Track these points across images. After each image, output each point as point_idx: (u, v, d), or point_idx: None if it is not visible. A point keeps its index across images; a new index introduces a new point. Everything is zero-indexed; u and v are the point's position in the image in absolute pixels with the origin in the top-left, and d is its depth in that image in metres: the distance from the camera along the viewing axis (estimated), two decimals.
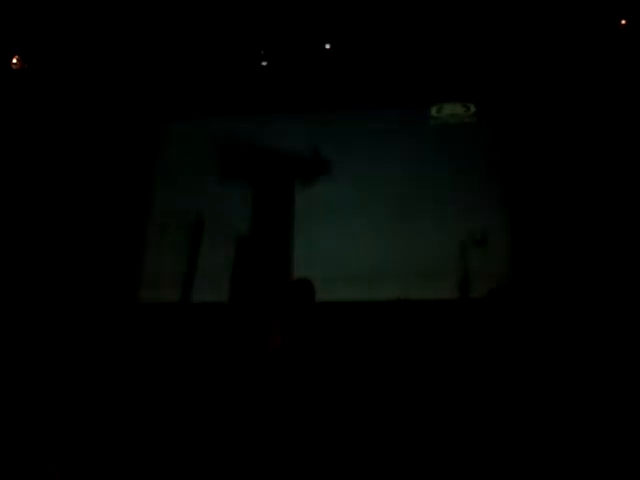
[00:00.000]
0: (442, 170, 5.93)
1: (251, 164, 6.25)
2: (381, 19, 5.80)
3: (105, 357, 5.39)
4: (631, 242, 5.41)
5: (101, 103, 6.31)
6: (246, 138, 6.26)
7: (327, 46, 6.03)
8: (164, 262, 6.01)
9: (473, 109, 6.10)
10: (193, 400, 4.96)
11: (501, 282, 5.62)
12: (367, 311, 5.43)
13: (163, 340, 5.46)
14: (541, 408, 4.69)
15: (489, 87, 6.04)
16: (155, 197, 6.31)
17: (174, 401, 4.96)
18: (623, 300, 5.22)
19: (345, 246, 5.87)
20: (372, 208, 5.92)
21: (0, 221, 5.84)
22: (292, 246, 5.96)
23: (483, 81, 6.03)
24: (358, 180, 6.01)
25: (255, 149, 6.22)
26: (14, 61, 6.07)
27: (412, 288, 5.45)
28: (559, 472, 4.15)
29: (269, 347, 4.27)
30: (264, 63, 6.17)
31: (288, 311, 4.34)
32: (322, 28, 5.97)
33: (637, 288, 5.25)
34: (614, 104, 5.64)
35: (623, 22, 5.61)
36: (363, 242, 5.86)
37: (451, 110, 6.13)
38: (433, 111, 6.13)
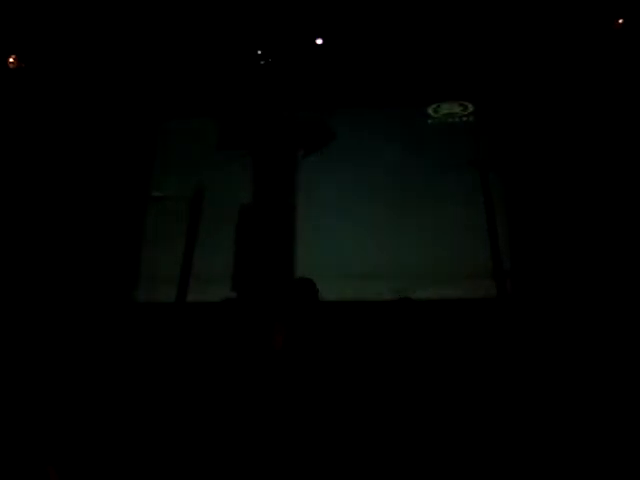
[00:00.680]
0: (441, 168, 5.94)
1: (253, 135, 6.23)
2: (380, 18, 5.80)
3: (103, 356, 5.38)
4: (631, 241, 5.43)
5: (97, 100, 6.29)
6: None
7: (319, 41, 6.00)
8: (162, 259, 5.99)
9: (471, 108, 6.11)
10: (193, 400, 4.95)
11: (500, 280, 5.67)
12: (367, 310, 5.45)
13: (161, 340, 5.46)
14: (541, 407, 4.70)
15: (487, 86, 6.04)
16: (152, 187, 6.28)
17: (174, 401, 4.95)
18: (623, 299, 5.24)
19: (344, 244, 5.88)
20: (371, 207, 5.93)
21: None
22: (295, 242, 5.97)
23: (480, 80, 6.04)
24: (357, 179, 6.03)
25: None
26: (11, 60, 6.05)
27: (411, 287, 5.46)
28: (560, 471, 4.16)
29: (271, 347, 4.27)
30: (262, 62, 6.16)
31: (290, 310, 4.33)
32: (321, 27, 5.98)
33: (637, 287, 5.28)
34: (612, 103, 5.65)
35: (620, 21, 5.61)
36: (362, 241, 5.87)
37: (448, 109, 6.14)
38: (431, 110, 6.14)
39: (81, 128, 6.23)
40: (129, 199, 6.20)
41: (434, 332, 5.27)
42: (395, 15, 5.77)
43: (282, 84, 6.25)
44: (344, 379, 4.54)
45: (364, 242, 5.88)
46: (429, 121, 6.16)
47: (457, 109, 6.13)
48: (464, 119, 6.12)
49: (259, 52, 6.10)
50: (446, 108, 6.14)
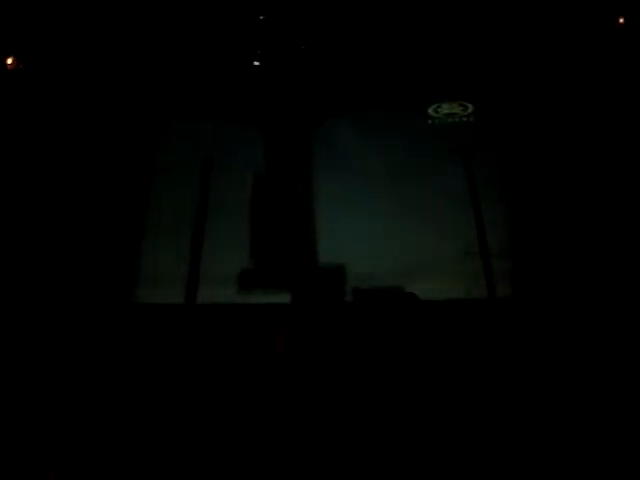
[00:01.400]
0: (441, 168, 5.93)
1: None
2: (380, 17, 5.80)
3: (103, 356, 5.35)
4: (630, 241, 5.42)
5: (96, 100, 6.27)
6: None
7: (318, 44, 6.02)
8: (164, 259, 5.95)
9: (471, 108, 6.10)
10: (194, 401, 4.93)
11: (500, 280, 5.66)
12: (368, 310, 5.43)
13: (163, 342, 5.43)
14: (541, 406, 4.68)
15: (487, 86, 6.03)
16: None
17: (174, 402, 4.93)
18: (622, 297, 5.24)
19: (344, 244, 5.85)
20: (371, 206, 5.92)
21: None
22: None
23: (481, 80, 6.03)
24: (357, 178, 6.01)
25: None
26: (9, 61, 6.03)
27: (411, 287, 5.45)
28: (561, 471, 4.14)
29: (272, 348, 4.26)
30: (260, 62, 6.15)
31: (298, 308, 4.32)
32: (320, 28, 5.98)
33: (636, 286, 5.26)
34: (613, 102, 5.65)
35: (621, 20, 5.61)
36: (363, 240, 5.83)
37: (449, 109, 6.13)
38: (431, 110, 6.13)
39: (79, 124, 6.20)
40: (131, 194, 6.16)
41: (436, 332, 5.26)
42: (396, 15, 5.78)
43: (280, 85, 6.24)
44: (345, 379, 4.53)
45: (363, 241, 5.85)
46: (429, 121, 6.15)
47: (457, 109, 6.12)
48: (464, 119, 6.11)
49: (259, 52, 6.09)
50: (446, 108, 6.13)
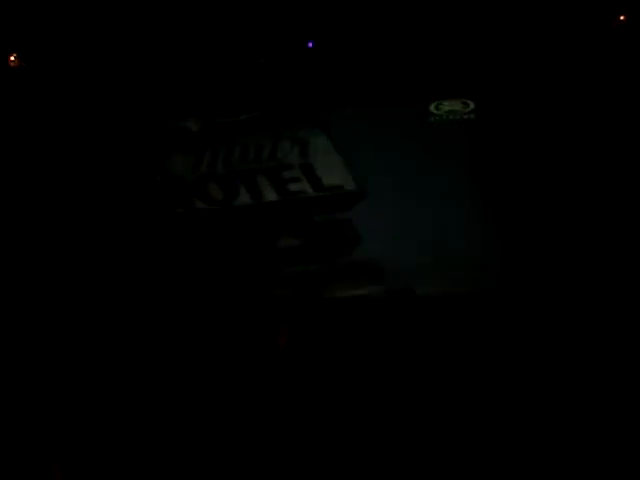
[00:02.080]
0: (442, 166, 5.95)
1: None
2: (380, 16, 5.80)
3: (105, 354, 5.39)
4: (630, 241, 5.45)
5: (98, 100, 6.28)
6: None
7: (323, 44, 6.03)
8: None
9: (472, 106, 6.10)
10: (197, 400, 4.96)
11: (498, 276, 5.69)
12: (368, 309, 5.46)
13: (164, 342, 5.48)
14: (540, 405, 4.72)
15: (488, 84, 6.03)
16: None
17: (177, 402, 4.96)
18: (620, 294, 5.27)
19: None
20: (371, 204, 5.94)
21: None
22: None
23: (482, 78, 6.02)
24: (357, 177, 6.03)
25: None
26: (11, 59, 6.04)
27: (415, 283, 5.48)
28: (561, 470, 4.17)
29: (274, 347, 4.28)
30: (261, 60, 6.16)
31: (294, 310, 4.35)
32: (321, 27, 5.98)
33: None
34: (613, 101, 5.64)
35: (622, 18, 5.60)
36: (364, 237, 5.89)
37: (450, 107, 6.13)
38: (432, 108, 6.13)
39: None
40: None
41: (436, 329, 5.29)
42: (397, 14, 5.78)
43: (282, 84, 6.24)
44: (346, 379, 4.56)
45: (364, 238, 5.91)
46: (430, 119, 6.14)
47: (458, 107, 6.12)
48: (465, 117, 6.11)
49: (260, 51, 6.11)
50: (447, 106, 6.13)
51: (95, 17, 5.81)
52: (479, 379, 5.01)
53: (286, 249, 5.80)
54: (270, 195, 5.73)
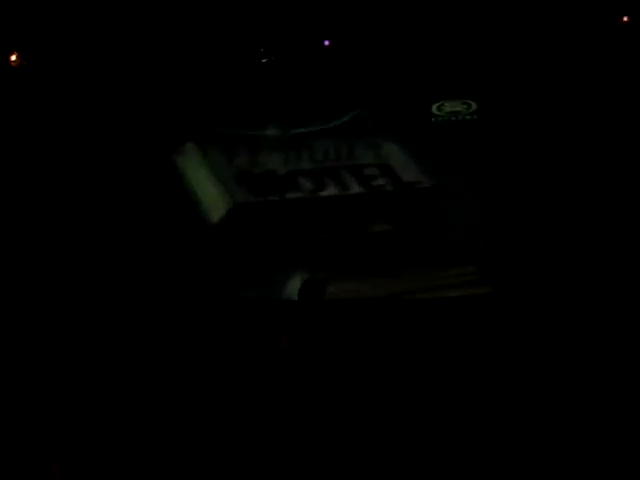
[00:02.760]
0: (443, 166, 5.99)
1: None
2: (383, 16, 5.81)
3: (105, 355, 5.39)
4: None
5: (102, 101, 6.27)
6: None
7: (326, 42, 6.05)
8: None
9: (474, 106, 6.10)
10: (199, 400, 4.96)
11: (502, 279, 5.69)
12: (369, 308, 5.47)
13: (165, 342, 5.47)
14: (539, 404, 4.71)
15: (490, 85, 6.03)
16: None
17: (176, 402, 4.95)
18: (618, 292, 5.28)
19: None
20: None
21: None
22: None
23: (484, 79, 6.03)
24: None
25: None
26: (13, 58, 6.03)
27: (418, 282, 5.54)
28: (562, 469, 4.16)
29: (276, 347, 4.26)
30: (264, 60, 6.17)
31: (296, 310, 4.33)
32: (326, 27, 6.00)
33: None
34: (616, 102, 5.65)
35: (625, 19, 5.60)
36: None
37: (452, 107, 6.13)
38: (434, 108, 6.14)
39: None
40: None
41: (434, 331, 5.30)
42: (400, 14, 5.79)
43: (285, 84, 6.24)
44: (347, 378, 4.54)
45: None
46: (432, 119, 6.15)
47: (460, 107, 6.12)
48: (467, 117, 6.12)
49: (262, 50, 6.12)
50: (450, 107, 6.13)
51: (101, 15, 5.81)
52: (479, 379, 5.00)
53: (377, 234, 6.12)
54: (355, 188, 6.14)
